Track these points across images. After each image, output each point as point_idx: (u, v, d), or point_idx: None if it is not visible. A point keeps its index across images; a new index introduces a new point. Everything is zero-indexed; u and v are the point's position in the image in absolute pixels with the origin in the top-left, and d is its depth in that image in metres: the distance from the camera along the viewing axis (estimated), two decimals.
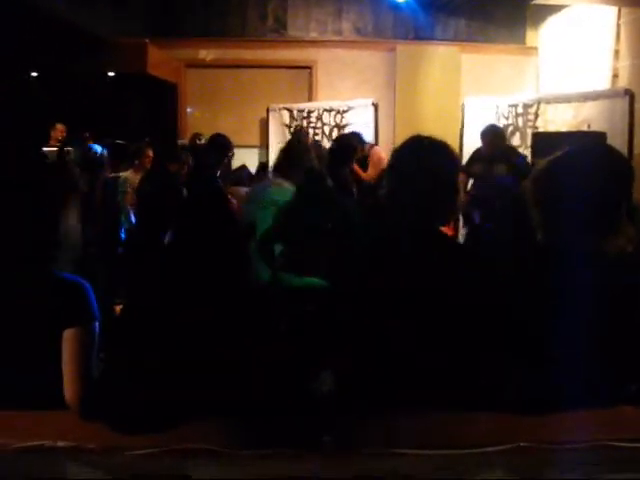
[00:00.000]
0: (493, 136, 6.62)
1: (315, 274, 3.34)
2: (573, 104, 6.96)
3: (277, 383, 1.83)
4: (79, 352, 1.98)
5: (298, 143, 5.40)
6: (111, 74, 8.84)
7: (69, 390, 1.96)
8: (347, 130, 7.98)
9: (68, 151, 6.67)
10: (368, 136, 7.32)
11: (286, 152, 4.98)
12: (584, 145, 2.18)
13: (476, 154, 6.82)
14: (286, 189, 4.42)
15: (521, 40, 9.54)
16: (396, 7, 9.01)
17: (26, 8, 6.48)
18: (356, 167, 6.21)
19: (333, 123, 8.58)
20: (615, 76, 7.40)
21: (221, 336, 1.83)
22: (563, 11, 8.43)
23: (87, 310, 2.03)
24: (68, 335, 1.98)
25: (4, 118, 6.96)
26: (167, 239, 2.74)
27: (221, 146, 6.09)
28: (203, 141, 7.75)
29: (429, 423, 1.52)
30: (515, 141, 7.50)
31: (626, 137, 6.15)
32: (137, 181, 5.92)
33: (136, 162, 6.49)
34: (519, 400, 1.66)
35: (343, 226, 3.68)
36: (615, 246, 1.93)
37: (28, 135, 7.34)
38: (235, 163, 7.77)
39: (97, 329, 2.03)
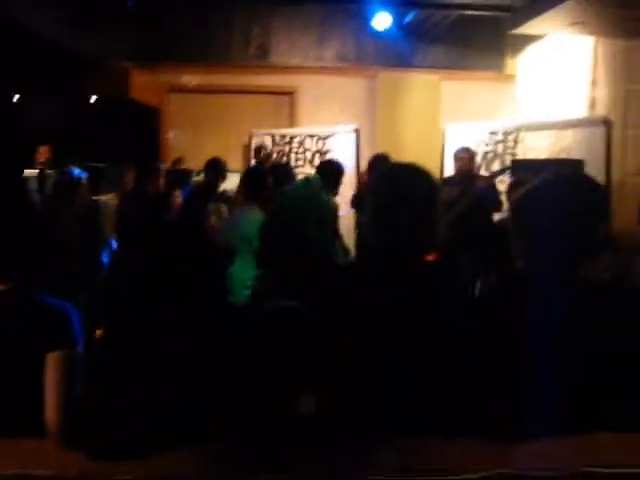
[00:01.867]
0: (468, 156, 6.71)
1: (292, 298, 3.33)
2: (552, 132, 7.06)
3: (258, 407, 1.84)
4: (61, 377, 1.97)
5: (256, 169, 5.53)
6: (95, 98, 8.86)
7: (50, 416, 1.95)
8: (329, 156, 8.04)
9: (49, 174, 6.66)
10: (350, 162, 7.37)
11: (247, 178, 5.11)
12: (561, 174, 2.21)
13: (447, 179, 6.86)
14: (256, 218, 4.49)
15: (500, 68, 9.69)
16: (377, 35, 9.13)
17: (11, 30, 6.50)
18: None
19: (315, 149, 8.63)
20: (593, 104, 7.53)
21: (199, 360, 1.83)
22: (541, 40, 8.57)
23: (69, 335, 2.02)
24: (50, 360, 1.97)
25: None
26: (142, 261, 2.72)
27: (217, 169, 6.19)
28: (184, 166, 7.80)
29: (408, 449, 1.52)
30: (495, 167, 7.59)
31: (603, 165, 6.24)
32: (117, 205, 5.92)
33: (117, 186, 6.48)
34: (498, 427, 1.67)
35: (318, 251, 3.68)
36: (593, 274, 1.96)
37: (11, 158, 7.32)
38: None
39: (80, 354, 2.02)
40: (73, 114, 8.76)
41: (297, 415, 1.89)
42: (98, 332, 3.24)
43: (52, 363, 1.97)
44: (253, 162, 8.42)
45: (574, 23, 5.73)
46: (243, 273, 4.18)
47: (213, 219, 4.93)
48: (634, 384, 1.82)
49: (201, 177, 7.36)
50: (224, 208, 5.30)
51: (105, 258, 5.98)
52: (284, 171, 5.91)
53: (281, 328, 2.06)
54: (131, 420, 1.78)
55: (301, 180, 4.38)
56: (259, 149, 8.47)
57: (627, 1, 4.91)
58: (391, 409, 1.85)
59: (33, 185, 7.29)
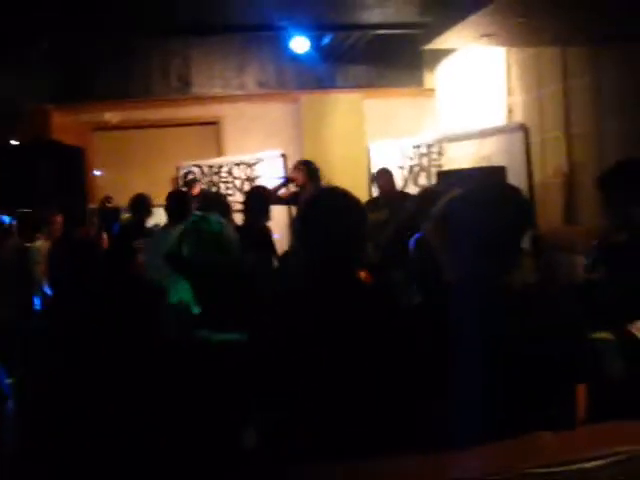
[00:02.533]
0: (389, 176, 6.82)
1: (232, 329, 3.30)
2: (473, 141, 7.25)
3: (202, 442, 1.83)
4: None
5: (178, 192, 5.63)
6: (14, 142, 8.67)
7: None
8: (258, 182, 8.06)
9: None
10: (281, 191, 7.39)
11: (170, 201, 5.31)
12: (480, 183, 2.27)
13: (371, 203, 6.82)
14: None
15: (420, 83, 9.87)
16: (297, 58, 9.21)
17: None
18: None
19: (244, 176, 8.65)
20: (510, 111, 7.75)
21: (137, 399, 1.81)
22: (456, 53, 8.80)
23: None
24: None
25: None
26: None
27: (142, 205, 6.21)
28: (112, 204, 7.72)
29: (353, 470, 1.53)
30: (422, 180, 7.73)
31: (525, 169, 6.43)
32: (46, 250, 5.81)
33: (45, 230, 6.35)
34: (433, 436, 1.70)
35: (248, 276, 3.68)
36: (519, 279, 2.01)
37: None
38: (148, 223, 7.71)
39: (9, 409, 1.98)
40: None
41: (240, 448, 1.88)
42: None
43: None
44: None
45: (482, 35, 5.89)
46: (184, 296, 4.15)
47: (141, 257, 4.93)
48: (559, 385, 1.88)
49: (128, 215, 7.31)
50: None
51: (37, 303, 5.85)
52: (214, 197, 5.93)
53: (219, 361, 2.06)
54: (74, 464, 1.75)
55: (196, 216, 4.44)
56: (186, 175, 8.48)
57: (528, 12, 5.09)
58: (331, 432, 1.86)
59: None
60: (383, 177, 6.86)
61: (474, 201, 2.07)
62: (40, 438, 1.82)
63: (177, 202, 5.37)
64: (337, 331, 1.97)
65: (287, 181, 7.18)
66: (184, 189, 7.40)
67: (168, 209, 5.37)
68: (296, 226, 2.25)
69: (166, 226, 5.51)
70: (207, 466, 1.69)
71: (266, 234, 5.70)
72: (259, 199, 5.80)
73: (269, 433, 1.89)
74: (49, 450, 1.78)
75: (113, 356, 1.95)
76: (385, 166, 7.18)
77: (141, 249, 5.23)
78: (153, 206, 6.62)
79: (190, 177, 8.42)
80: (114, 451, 1.74)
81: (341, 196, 2.17)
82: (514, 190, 2.24)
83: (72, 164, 9.36)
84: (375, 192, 7.28)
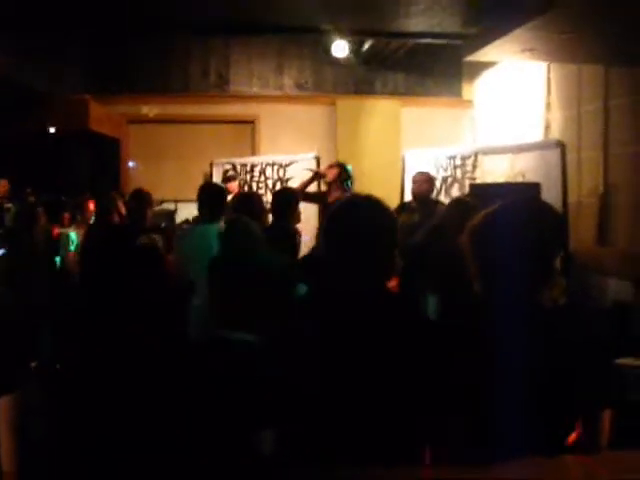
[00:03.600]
0: (424, 179, 6.77)
1: (246, 330, 3.24)
2: (508, 155, 7.17)
3: (218, 445, 1.82)
4: (15, 420, 1.93)
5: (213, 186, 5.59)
6: (53, 130, 8.78)
7: (5, 459, 1.91)
8: (290, 184, 8.05)
9: (8, 207, 6.57)
10: (311, 189, 7.39)
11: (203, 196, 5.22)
12: (517, 199, 2.25)
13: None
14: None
15: (458, 93, 9.84)
16: (336, 62, 9.23)
17: None
18: None
19: (276, 177, 8.64)
20: (547, 127, 7.68)
21: (159, 398, 1.81)
22: (496, 66, 8.75)
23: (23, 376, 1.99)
24: (2, 404, 1.93)
25: None
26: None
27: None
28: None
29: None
30: (454, 192, 7.67)
31: (560, 187, 6.35)
32: (79, 236, 5.84)
33: (78, 217, 6.41)
34: (459, 453, 1.68)
35: (273, 279, 3.66)
36: (549, 298, 1.99)
37: None
38: (179, 217, 7.75)
39: (37, 394, 1.99)
40: (31, 147, 8.67)
41: (257, 453, 1.87)
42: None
43: (4, 406, 1.93)
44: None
45: (525, 50, 5.85)
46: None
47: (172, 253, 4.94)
48: (584, 409, 1.85)
49: (162, 207, 7.32)
50: (159, 239, 5.25)
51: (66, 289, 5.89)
52: (248, 199, 5.88)
53: (239, 364, 2.05)
54: (91, 459, 1.76)
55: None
56: (227, 172, 8.47)
57: (573, 28, 5.04)
58: (353, 440, 1.85)
59: None
60: (418, 180, 6.81)
61: (510, 216, 2.05)
62: (66, 424, 1.83)
63: (213, 197, 5.23)
64: (361, 341, 1.95)
65: (317, 176, 7.17)
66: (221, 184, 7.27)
67: (204, 203, 5.21)
68: (323, 232, 2.22)
69: (199, 221, 5.43)
70: (224, 469, 1.69)
71: (291, 236, 5.62)
72: (285, 201, 5.74)
73: (287, 440, 1.88)
74: (74, 436, 1.78)
75: (134, 351, 1.95)
76: (424, 170, 7.12)
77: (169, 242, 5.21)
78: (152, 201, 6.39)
79: (231, 173, 8.40)
80: (132, 446, 1.74)
81: (372, 204, 2.15)
82: (549, 207, 2.21)
83: (107, 154, 9.46)
84: (408, 198, 7.24)
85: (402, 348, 1.93)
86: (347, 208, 2.16)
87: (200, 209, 5.27)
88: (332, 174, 6.77)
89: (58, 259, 5.90)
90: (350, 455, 1.80)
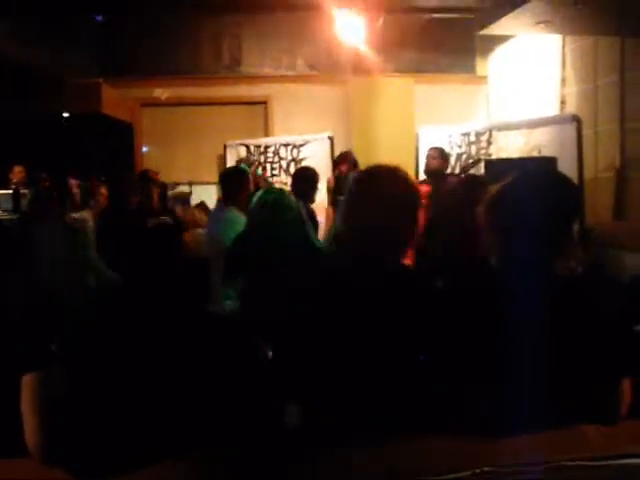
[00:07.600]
0: (437, 155, 6.72)
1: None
2: (523, 131, 7.11)
3: (243, 418, 1.82)
4: (37, 398, 1.94)
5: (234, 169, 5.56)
6: (66, 114, 8.81)
7: (30, 437, 1.92)
8: (304, 164, 8.04)
9: (24, 193, 6.60)
10: (325, 169, 7.39)
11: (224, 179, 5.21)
12: (533, 170, 2.23)
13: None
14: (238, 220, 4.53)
15: (471, 70, 9.74)
16: (349, 41, 9.15)
17: None
18: None
19: (290, 157, 8.63)
20: (563, 102, 7.59)
21: (182, 371, 1.82)
22: (510, 41, 8.64)
23: (48, 355, 2.00)
24: (26, 381, 1.94)
25: None
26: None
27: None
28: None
29: (392, 452, 1.53)
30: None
31: (576, 162, 6.29)
32: (93, 220, 5.86)
33: (91, 201, 6.42)
34: (478, 422, 1.68)
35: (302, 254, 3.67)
36: (566, 268, 1.98)
37: None
38: (193, 200, 7.76)
39: (59, 372, 1.99)
40: (45, 132, 8.70)
41: (283, 426, 1.88)
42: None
43: (28, 384, 1.94)
44: None
45: (539, 22, 5.78)
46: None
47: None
48: (602, 378, 1.84)
49: (178, 190, 7.32)
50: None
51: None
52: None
53: (262, 339, 2.05)
54: (115, 435, 1.77)
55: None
56: (240, 161, 8.47)
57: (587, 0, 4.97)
58: (374, 412, 1.85)
59: (7, 204, 7.24)
60: (430, 156, 6.75)
61: (526, 185, 2.05)
62: (89, 405, 1.84)
63: (235, 181, 5.16)
64: (376, 316, 1.95)
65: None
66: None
67: (222, 187, 5.15)
68: (344, 205, 2.22)
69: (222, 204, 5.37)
70: (250, 442, 1.69)
71: (313, 216, 5.68)
72: (305, 180, 5.78)
73: (312, 411, 1.88)
74: (97, 416, 1.79)
75: (154, 327, 1.95)
76: (438, 146, 7.06)
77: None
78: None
79: (243, 159, 8.39)
80: (160, 420, 1.75)
81: (394, 177, 2.15)
82: (565, 176, 2.20)
83: (121, 138, 9.48)
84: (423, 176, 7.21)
85: (418, 314, 1.93)
86: (371, 177, 2.17)
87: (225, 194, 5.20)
88: (345, 169, 6.87)
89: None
90: (367, 423, 1.81)
